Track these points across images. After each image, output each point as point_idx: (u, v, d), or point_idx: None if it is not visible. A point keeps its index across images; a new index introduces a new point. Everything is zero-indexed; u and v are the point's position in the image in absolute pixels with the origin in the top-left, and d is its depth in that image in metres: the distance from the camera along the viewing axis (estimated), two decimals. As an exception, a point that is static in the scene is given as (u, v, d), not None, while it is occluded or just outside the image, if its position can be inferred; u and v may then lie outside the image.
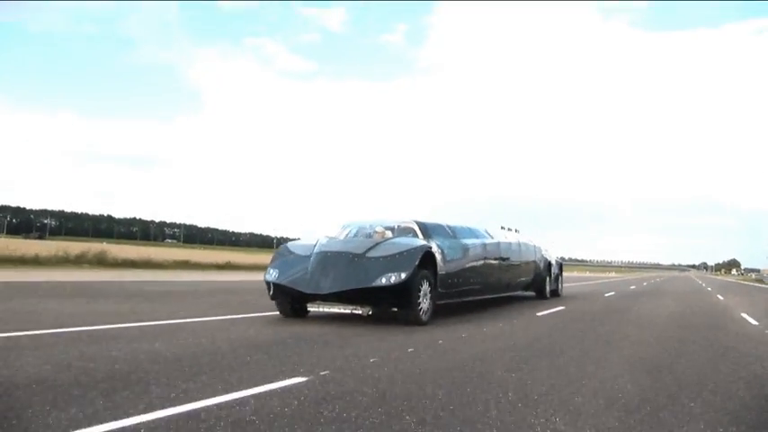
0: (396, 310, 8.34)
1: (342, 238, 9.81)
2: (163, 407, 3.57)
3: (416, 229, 9.54)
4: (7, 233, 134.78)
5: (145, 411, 3.46)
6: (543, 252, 15.48)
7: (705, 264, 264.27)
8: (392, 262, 8.14)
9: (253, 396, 3.93)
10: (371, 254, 8.34)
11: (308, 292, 8.10)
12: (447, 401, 4.05)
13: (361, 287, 7.94)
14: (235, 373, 4.63)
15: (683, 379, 5.26)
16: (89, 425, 3.20)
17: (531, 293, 15.33)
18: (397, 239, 8.98)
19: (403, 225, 9.78)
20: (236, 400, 3.83)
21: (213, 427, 3.27)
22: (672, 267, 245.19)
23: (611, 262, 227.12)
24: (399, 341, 6.69)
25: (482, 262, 10.81)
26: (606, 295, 20.36)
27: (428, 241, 9.08)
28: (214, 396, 3.87)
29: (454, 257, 9.64)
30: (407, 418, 3.60)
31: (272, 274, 8.59)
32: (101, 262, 24.91)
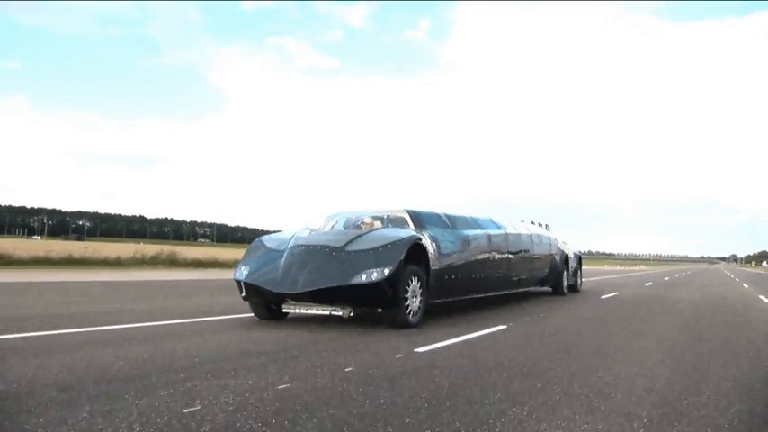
0: (380, 310, 7.21)
1: (327, 229, 8.69)
2: None
3: (408, 218, 8.35)
4: (48, 235, 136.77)
5: None
6: (560, 244, 14.16)
7: (735, 256, 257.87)
8: (374, 256, 6.99)
9: None
10: (352, 247, 7.19)
11: (278, 291, 6.98)
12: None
13: (337, 285, 6.80)
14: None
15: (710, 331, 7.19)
16: None
17: (548, 289, 14.02)
18: (382, 231, 7.82)
19: (393, 215, 8.60)
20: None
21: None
22: (701, 260, 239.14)
23: (638, 255, 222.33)
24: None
25: (486, 255, 9.57)
26: (646, 285, 22.81)
27: (420, 232, 7.90)
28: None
29: (452, 250, 8.43)
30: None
31: (242, 272, 7.49)
32: (173, 262, 26.42)
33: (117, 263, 24.33)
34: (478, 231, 9.49)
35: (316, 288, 6.81)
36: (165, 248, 29.14)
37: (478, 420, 3.31)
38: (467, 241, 8.91)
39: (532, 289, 13.18)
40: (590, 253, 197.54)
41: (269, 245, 7.76)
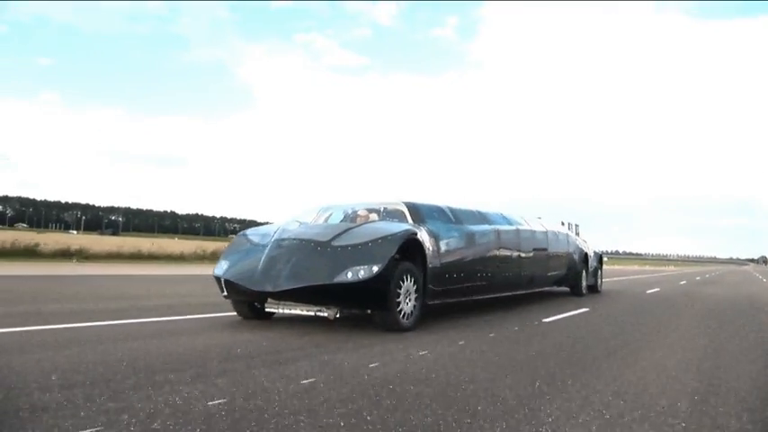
0: (370, 311, 6.45)
1: (319, 222, 7.96)
2: None
3: (406, 211, 7.55)
4: (84, 230, 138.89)
5: None
6: (579, 242, 13.21)
7: (765, 257, 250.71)
8: (362, 252, 6.23)
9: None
10: (339, 242, 6.43)
11: (256, 289, 6.26)
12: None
13: (320, 284, 6.05)
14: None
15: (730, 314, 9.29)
16: None
17: (565, 289, 13.09)
18: (375, 224, 7.06)
19: (390, 207, 7.81)
20: None
21: None
22: (729, 261, 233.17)
23: (666, 255, 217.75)
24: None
25: (495, 253, 8.74)
26: (681, 283, 25.40)
27: (418, 226, 7.12)
28: None
29: (454, 247, 7.63)
30: None
31: (222, 267, 6.80)
32: None
33: (180, 258, 25.81)
34: (486, 227, 8.65)
35: (296, 286, 6.08)
36: (219, 245, 29.96)
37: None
38: (472, 237, 8.09)
39: (548, 289, 12.31)
40: (617, 253, 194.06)
41: (252, 238, 7.05)
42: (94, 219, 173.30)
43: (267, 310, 6.70)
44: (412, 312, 6.54)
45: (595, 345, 6.16)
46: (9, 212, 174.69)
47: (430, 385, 3.92)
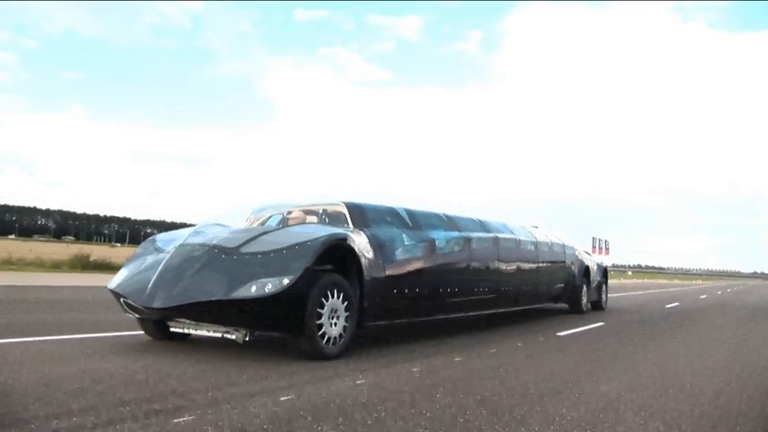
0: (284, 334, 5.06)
1: (245, 225, 6.62)
2: None
3: (346, 212, 6.14)
4: (128, 243, 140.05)
5: None
6: (577, 253, 11.59)
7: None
8: (274, 261, 4.86)
9: None
10: (248, 248, 5.07)
11: (142, 305, 4.92)
12: None
13: (217, 300, 4.69)
14: None
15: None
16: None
17: (563, 306, 11.48)
18: (294, 228, 5.71)
19: (331, 209, 6.41)
20: None
21: None
22: (754, 275, 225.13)
23: (689, 269, 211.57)
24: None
25: (465, 264, 7.26)
26: (718, 293, 29.44)
27: (357, 231, 5.73)
28: None
29: (408, 256, 6.18)
30: None
31: (117, 278, 5.51)
32: None
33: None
34: (454, 233, 7.17)
35: (186, 302, 4.72)
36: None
37: None
38: (433, 246, 6.62)
39: (543, 306, 10.73)
40: (639, 266, 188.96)
41: (159, 244, 5.73)
42: (133, 231, 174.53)
43: (172, 330, 5.36)
44: (340, 336, 5.13)
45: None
46: (52, 225, 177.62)
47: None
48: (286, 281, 4.67)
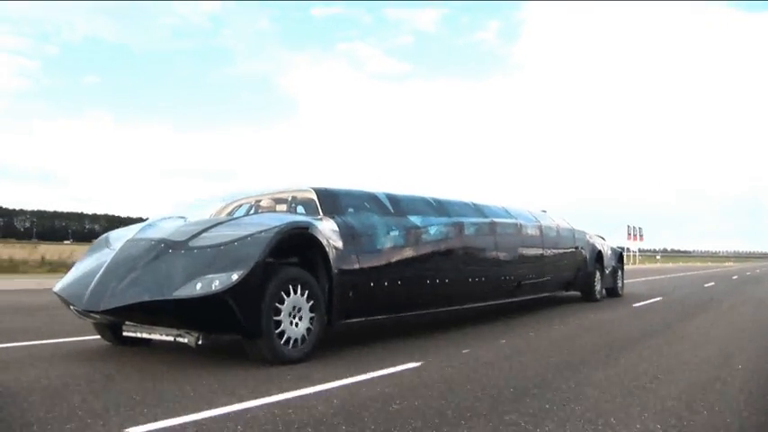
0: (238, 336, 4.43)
1: (207, 216, 5.98)
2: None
3: (315, 199, 5.43)
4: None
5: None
6: (588, 238, 10.72)
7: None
8: (224, 254, 4.25)
9: None
10: (198, 242, 4.45)
11: (82, 307, 4.35)
12: None
13: (158, 300, 4.08)
14: None
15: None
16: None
17: (576, 293, 10.64)
18: (249, 217, 5.17)
19: (300, 195, 5.73)
20: None
21: None
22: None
23: (716, 252, 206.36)
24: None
25: (456, 252, 6.49)
26: (757, 270, 33.05)
27: (324, 218, 5.06)
28: None
29: (387, 245, 5.46)
30: None
31: (64, 279, 4.96)
32: None
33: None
34: (443, 219, 6.43)
35: (125, 303, 4.13)
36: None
37: None
38: (418, 233, 5.90)
39: (553, 294, 9.94)
40: (665, 250, 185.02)
41: (113, 242, 5.14)
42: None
43: (125, 334, 4.77)
44: (304, 337, 4.48)
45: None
46: (98, 228, 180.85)
47: None
48: (235, 276, 4.05)
